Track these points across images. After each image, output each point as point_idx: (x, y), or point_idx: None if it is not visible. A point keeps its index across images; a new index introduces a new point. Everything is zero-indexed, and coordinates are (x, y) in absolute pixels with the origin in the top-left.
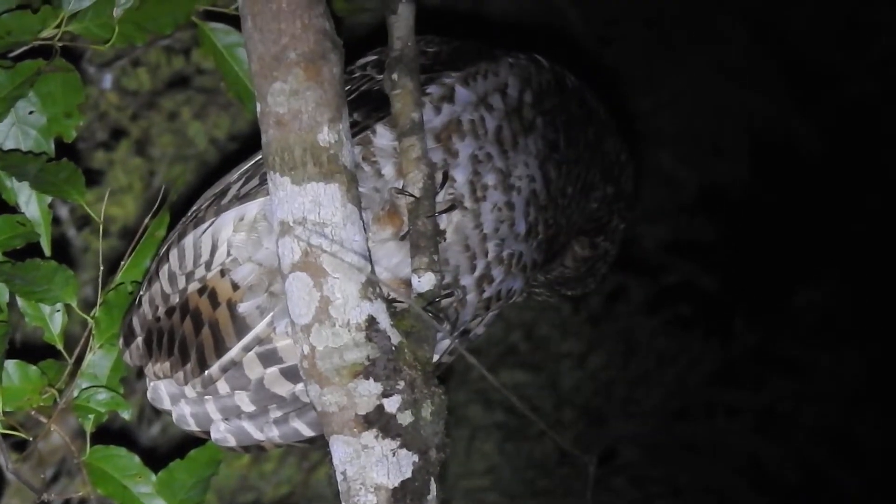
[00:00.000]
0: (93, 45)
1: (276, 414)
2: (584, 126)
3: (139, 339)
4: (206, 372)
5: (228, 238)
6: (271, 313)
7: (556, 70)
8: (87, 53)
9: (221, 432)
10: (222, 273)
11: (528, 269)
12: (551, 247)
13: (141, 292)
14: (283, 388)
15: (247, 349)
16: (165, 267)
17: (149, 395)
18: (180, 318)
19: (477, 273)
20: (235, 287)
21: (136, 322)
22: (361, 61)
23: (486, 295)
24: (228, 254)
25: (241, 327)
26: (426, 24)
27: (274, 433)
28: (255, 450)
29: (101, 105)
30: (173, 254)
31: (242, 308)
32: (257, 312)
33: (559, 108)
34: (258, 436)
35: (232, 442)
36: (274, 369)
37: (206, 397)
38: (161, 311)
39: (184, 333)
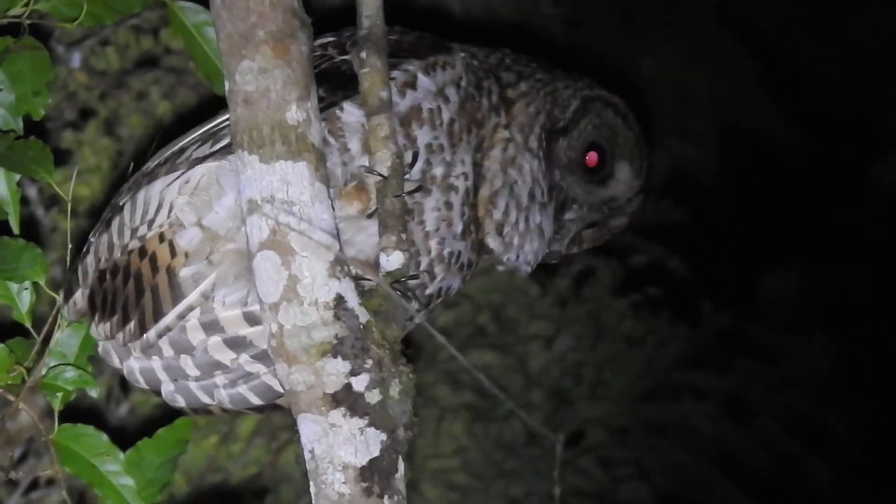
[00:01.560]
0: (61, 24)
1: (222, 379)
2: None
3: (78, 294)
4: (145, 336)
5: (174, 199)
6: (207, 281)
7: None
8: (55, 32)
9: (171, 392)
10: (163, 236)
11: (464, 269)
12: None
13: (91, 238)
14: (226, 357)
15: (181, 317)
16: (117, 219)
17: (100, 352)
18: (123, 280)
19: (421, 269)
20: (175, 253)
21: (79, 273)
22: (320, 41)
23: (427, 292)
24: (171, 215)
25: (177, 294)
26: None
27: (223, 396)
28: (204, 412)
29: (70, 84)
30: (125, 207)
31: (181, 274)
32: (192, 280)
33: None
34: (206, 399)
35: (181, 402)
36: (216, 338)
37: (152, 357)
38: (104, 264)
39: (126, 296)
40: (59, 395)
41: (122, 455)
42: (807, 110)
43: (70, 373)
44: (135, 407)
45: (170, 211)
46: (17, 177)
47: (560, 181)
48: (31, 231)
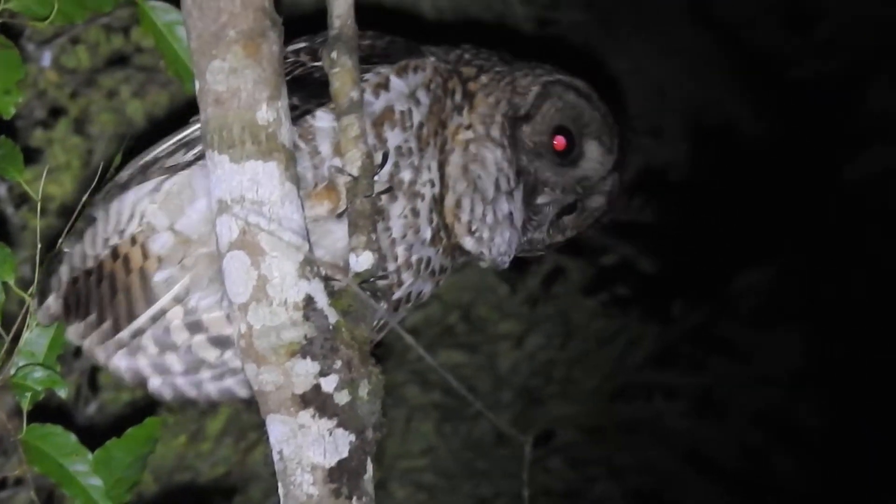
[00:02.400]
0: (32, 22)
1: (207, 374)
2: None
3: (51, 299)
4: (117, 336)
5: (145, 207)
6: (179, 285)
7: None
8: (26, 31)
9: (157, 387)
10: (134, 240)
11: (436, 274)
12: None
13: (65, 249)
14: (212, 354)
15: (154, 319)
16: (89, 230)
17: (84, 349)
18: (96, 281)
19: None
20: (147, 256)
21: (52, 282)
22: (292, 47)
23: (395, 297)
24: (142, 222)
25: (150, 297)
26: (365, 8)
27: (210, 390)
28: (190, 405)
29: (41, 83)
30: (99, 218)
31: (155, 279)
32: (165, 285)
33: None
34: (193, 393)
35: (168, 395)
36: (201, 337)
37: (137, 355)
38: (79, 271)
39: (100, 297)
40: (28, 394)
41: (90, 455)
42: (779, 107)
43: (39, 372)
44: (103, 406)
45: (141, 218)
46: None
47: (528, 166)
48: (1, 230)
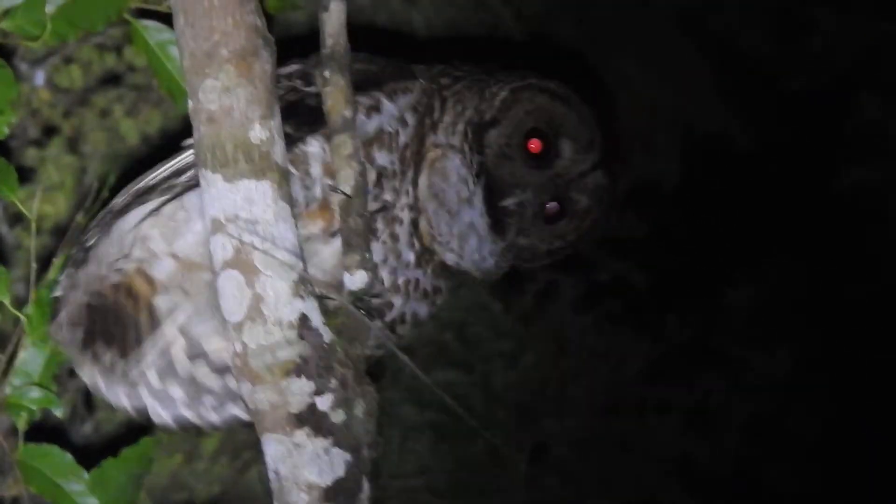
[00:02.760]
0: (25, 42)
1: (211, 402)
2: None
3: (71, 327)
4: (128, 368)
5: (146, 232)
6: (180, 312)
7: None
8: (19, 50)
9: (160, 417)
10: (141, 269)
11: (429, 295)
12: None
13: (64, 278)
14: (214, 382)
15: (156, 347)
16: (94, 255)
17: (86, 380)
18: (105, 312)
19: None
20: (153, 284)
21: (64, 309)
22: (285, 70)
23: (387, 319)
24: (146, 248)
25: (155, 326)
26: (358, 26)
27: (213, 418)
28: (195, 431)
29: (34, 102)
30: (102, 243)
31: (157, 306)
32: (167, 312)
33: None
34: (197, 421)
35: (171, 424)
36: (203, 366)
37: (139, 386)
38: (88, 299)
39: (110, 330)
40: (24, 414)
41: (86, 474)
42: (770, 120)
43: (35, 392)
44: (99, 425)
45: (144, 243)
46: None
47: (495, 170)
48: None
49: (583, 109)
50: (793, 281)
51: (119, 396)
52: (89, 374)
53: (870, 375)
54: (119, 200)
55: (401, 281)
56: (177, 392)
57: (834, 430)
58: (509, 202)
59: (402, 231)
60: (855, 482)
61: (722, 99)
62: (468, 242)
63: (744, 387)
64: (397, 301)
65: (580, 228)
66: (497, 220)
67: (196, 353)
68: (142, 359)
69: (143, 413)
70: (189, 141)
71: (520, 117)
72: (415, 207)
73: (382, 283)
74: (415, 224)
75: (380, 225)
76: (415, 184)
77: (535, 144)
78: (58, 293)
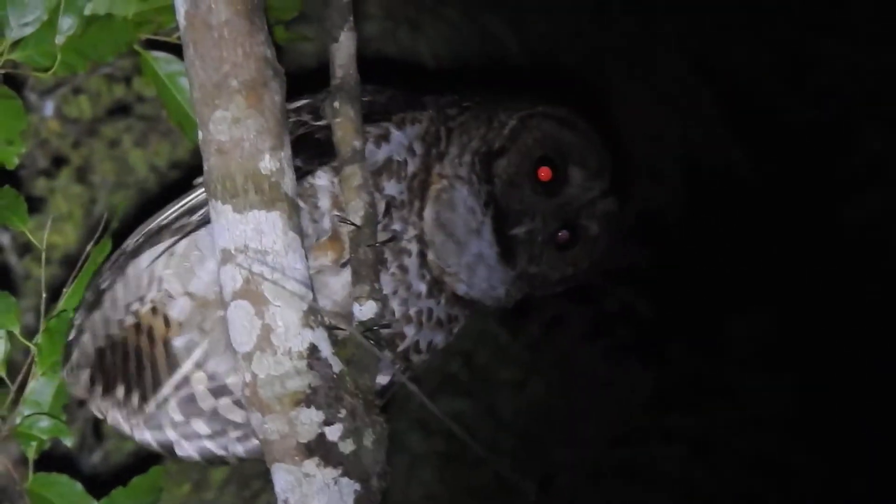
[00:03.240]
0: (35, 73)
1: (235, 434)
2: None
3: (82, 371)
4: (145, 408)
5: (161, 273)
6: (199, 350)
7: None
8: (29, 81)
9: (185, 450)
10: (156, 309)
11: (444, 324)
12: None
13: (77, 321)
14: (238, 415)
15: (177, 387)
16: (108, 297)
17: (109, 421)
18: (123, 356)
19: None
20: (169, 324)
21: (76, 353)
22: (294, 105)
23: (400, 349)
24: (160, 289)
25: (172, 364)
26: (366, 57)
27: (238, 449)
28: (220, 463)
29: (43, 132)
30: (116, 285)
31: (175, 345)
32: (185, 350)
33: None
34: (221, 453)
35: (196, 457)
36: (226, 400)
37: (163, 424)
38: (104, 341)
39: (127, 371)
40: (34, 443)
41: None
42: (774, 152)
43: (44, 422)
44: (108, 454)
45: (159, 284)
46: None
47: (502, 199)
48: (5, 279)
49: (592, 136)
50: (798, 311)
51: (144, 434)
52: (111, 417)
53: (874, 406)
54: (132, 241)
55: (412, 311)
56: (201, 426)
57: (838, 462)
58: (519, 231)
59: (412, 262)
60: None
61: (727, 130)
62: (477, 273)
63: (749, 417)
64: (410, 331)
65: (591, 255)
66: (507, 248)
67: (218, 388)
68: (163, 398)
69: (169, 448)
70: (200, 179)
71: (529, 145)
72: (422, 239)
73: (393, 314)
74: (423, 255)
75: (389, 256)
76: (421, 215)
77: (544, 172)
78: (70, 338)
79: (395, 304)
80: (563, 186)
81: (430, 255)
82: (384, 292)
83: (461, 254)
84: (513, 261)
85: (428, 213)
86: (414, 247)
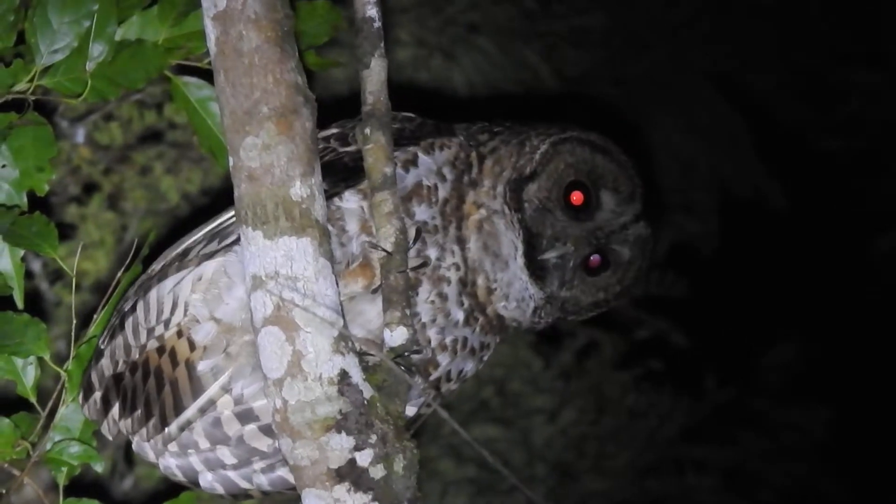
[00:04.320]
0: (65, 99)
1: (260, 465)
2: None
3: (97, 395)
4: (166, 430)
5: (188, 297)
6: (225, 375)
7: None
8: (59, 107)
9: (209, 482)
10: (181, 333)
11: (476, 352)
12: (502, 324)
13: (102, 344)
14: (263, 443)
15: (202, 411)
16: (129, 321)
17: (134, 447)
18: (143, 376)
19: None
20: (194, 347)
21: (94, 377)
22: (324, 133)
23: (433, 377)
24: (187, 313)
25: (197, 388)
26: (399, 84)
27: (262, 481)
28: (244, 497)
29: (74, 159)
30: (139, 307)
31: (200, 369)
32: (211, 374)
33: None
34: (245, 485)
35: (220, 490)
36: (252, 426)
37: (188, 451)
38: (122, 365)
39: (147, 392)
40: (64, 469)
41: None
42: (806, 182)
43: (75, 447)
44: (139, 480)
45: (185, 309)
46: (22, 252)
47: (534, 225)
48: (36, 306)
49: (624, 160)
50: (830, 342)
51: (168, 461)
52: (136, 444)
53: None
54: (157, 266)
55: (448, 340)
56: (226, 455)
57: (869, 491)
58: (550, 255)
59: (451, 290)
60: None
61: (759, 160)
62: (514, 288)
63: (782, 447)
64: (444, 360)
65: (623, 281)
66: (538, 273)
67: (244, 412)
68: (185, 421)
69: (193, 478)
70: (230, 206)
71: (561, 170)
72: (462, 267)
73: (430, 343)
74: (463, 283)
75: (426, 284)
76: (461, 242)
77: (576, 197)
78: (92, 362)
79: (431, 333)
80: (595, 211)
81: (480, 280)
82: (423, 321)
83: (505, 270)
84: (543, 284)
85: (474, 243)
86: (453, 274)
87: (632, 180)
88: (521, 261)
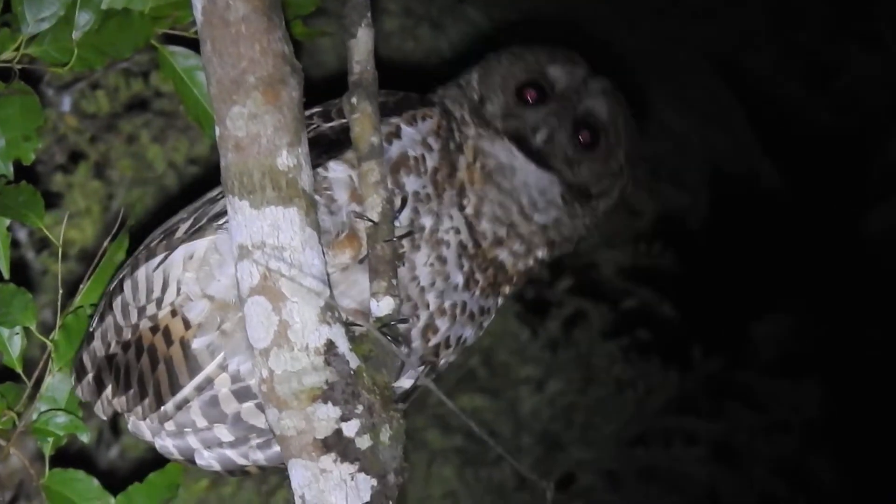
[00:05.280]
0: (52, 68)
1: (257, 441)
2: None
3: (90, 376)
4: (162, 408)
5: (179, 276)
6: (222, 353)
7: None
8: (45, 76)
9: (206, 459)
10: (174, 311)
11: (475, 317)
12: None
13: (92, 327)
14: (260, 420)
15: (199, 389)
16: (119, 300)
17: (129, 427)
18: (136, 354)
19: (420, 324)
20: (188, 325)
21: (86, 358)
22: (307, 112)
23: (432, 343)
24: (179, 292)
25: (193, 366)
26: (386, 53)
27: (258, 457)
28: (240, 473)
29: (60, 128)
30: (127, 286)
31: (195, 346)
32: (208, 352)
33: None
34: (242, 461)
35: (217, 467)
36: (249, 404)
37: (185, 430)
38: (114, 345)
39: (141, 370)
40: (51, 440)
41: (112, 500)
42: (797, 156)
43: (61, 418)
44: (125, 450)
45: (178, 287)
46: (7, 221)
47: (509, 133)
48: (22, 275)
49: (546, 45)
50: (820, 315)
51: (165, 441)
52: (132, 424)
53: (895, 413)
54: (142, 246)
55: (447, 304)
56: (223, 433)
57: (858, 465)
58: (541, 137)
59: (450, 253)
60: None
61: (751, 136)
62: (530, 186)
63: (770, 420)
64: (443, 325)
65: (621, 140)
66: (542, 162)
67: (241, 389)
68: (182, 399)
69: (189, 456)
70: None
71: (501, 83)
72: (463, 230)
73: (428, 307)
74: (463, 245)
75: (425, 248)
76: (460, 207)
77: (529, 94)
78: (83, 346)
79: (430, 297)
80: (553, 89)
81: (484, 224)
82: (421, 284)
83: (514, 175)
84: (548, 167)
85: (483, 197)
86: (452, 238)
87: (563, 50)
88: (520, 156)
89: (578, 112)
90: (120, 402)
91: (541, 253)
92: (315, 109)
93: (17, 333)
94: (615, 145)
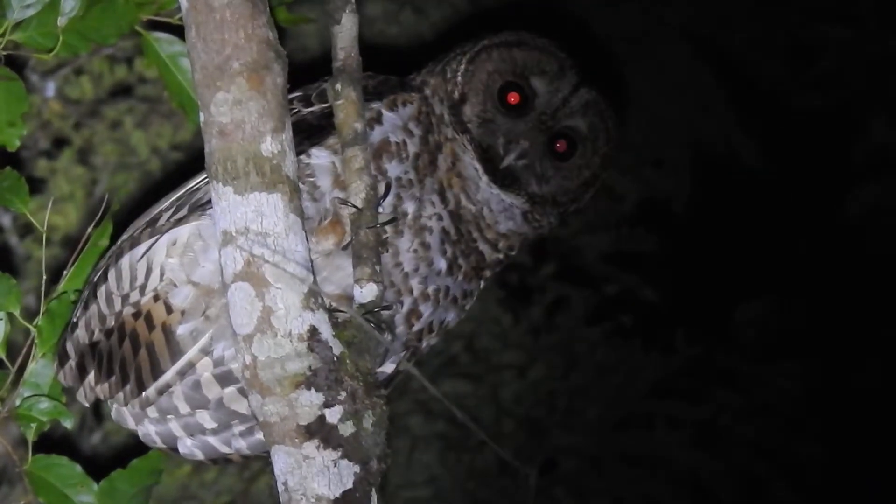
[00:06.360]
0: (36, 54)
1: (239, 428)
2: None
3: (72, 362)
4: (143, 394)
5: (162, 262)
6: (205, 337)
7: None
8: (30, 62)
9: (188, 447)
10: (157, 297)
11: (458, 300)
12: (479, 266)
13: (75, 316)
14: (243, 406)
15: (181, 374)
16: (102, 289)
17: (113, 415)
18: (118, 340)
19: (404, 309)
20: (170, 310)
21: (70, 346)
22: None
23: (415, 328)
24: (163, 277)
25: (175, 351)
26: (369, 38)
27: (241, 445)
28: (223, 461)
29: (45, 113)
30: (110, 275)
31: (179, 332)
32: (191, 337)
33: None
34: (225, 449)
35: (200, 456)
36: (232, 389)
37: (168, 416)
38: (98, 332)
39: (123, 355)
40: (34, 425)
41: (95, 485)
42: (779, 137)
43: (44, 403)
44: (107, 436)
45: (161, 273)
46: None
47: (483, 139)
48: (6, 260)
49: (542, 43)
50: (802, 299)
51: (147, 428)
52: (115, 412)
53: (877, 394)
54: (126, 235)
55: (430, 289)
56: (206, 419)
57: (841, 448)
58: (510, 160)
59: (434, 239)
60: (860, 499)
61: (732, 117)
62: (493, 203)
63: (752, 403)
64: (426, 310)
65: (598, 151)
66: (508, 181)
67: (223, 374)
68: (164, 384)
69: (172, 444)
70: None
71: (486, 81)
72: (445, 217)
73: (412, 292)
74: (446, 231)
75: (408, 234)
76: (441, 193)
77: (513, 97)
78: (66, 334)
79: (414, 283)
80: (534, 100)
81: (464, 201)
82: (405, 270)
83: (479, 191)
84: (519, 189)
85: (456, 188)
86: (435, 224)
87: (555, 56)
88: (485, 178)
89: (553, 126)
90: (102, 389)
91: (512, 251)
92: (295, 94)
93: (1, 319)
94: (591, 156)
